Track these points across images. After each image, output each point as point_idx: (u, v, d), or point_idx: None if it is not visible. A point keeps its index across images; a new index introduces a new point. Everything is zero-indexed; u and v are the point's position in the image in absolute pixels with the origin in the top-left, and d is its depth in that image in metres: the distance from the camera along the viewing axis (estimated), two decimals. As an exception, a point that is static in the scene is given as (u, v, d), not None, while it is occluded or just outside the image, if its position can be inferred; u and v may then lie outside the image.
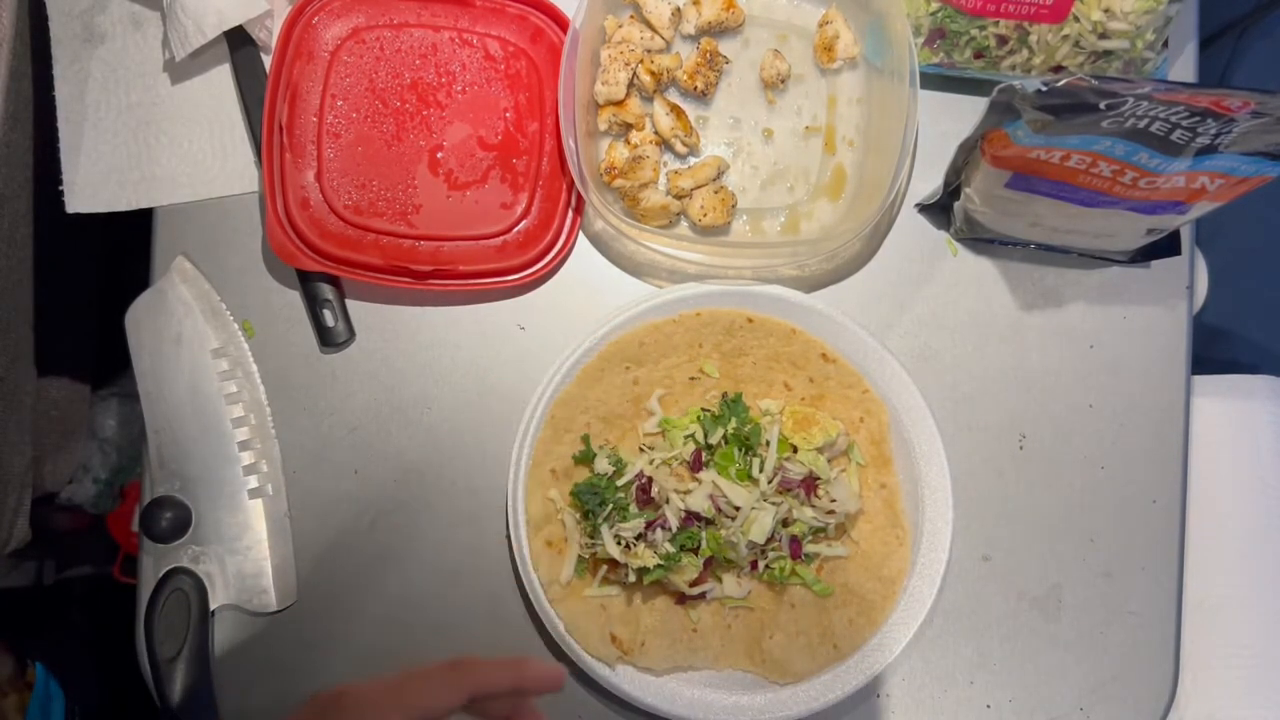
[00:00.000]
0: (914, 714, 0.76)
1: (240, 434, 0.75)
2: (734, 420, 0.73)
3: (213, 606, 0.73)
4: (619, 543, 0.70)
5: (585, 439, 0.74)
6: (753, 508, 0.70)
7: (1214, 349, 1.02)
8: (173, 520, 0.73)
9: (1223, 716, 0.79)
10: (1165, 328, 0.78)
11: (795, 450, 0.73)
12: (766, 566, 0.73)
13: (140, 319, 0.76)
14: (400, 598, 0.75)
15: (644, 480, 0.71)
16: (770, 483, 0.71)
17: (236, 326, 0.77)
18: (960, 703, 0.76)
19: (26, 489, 0.90)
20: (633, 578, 0.71)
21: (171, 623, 0.72)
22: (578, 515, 0.73)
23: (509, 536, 0.73)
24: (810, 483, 0.72)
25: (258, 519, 0.75)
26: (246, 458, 0.75)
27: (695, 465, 0.73)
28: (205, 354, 0.76)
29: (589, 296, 0.77)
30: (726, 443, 0.73)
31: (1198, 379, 0.81)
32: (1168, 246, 0.76)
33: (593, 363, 0.73)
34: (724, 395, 0.74)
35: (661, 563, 0.70)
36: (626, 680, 0.72)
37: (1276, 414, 0.84)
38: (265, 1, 0.74)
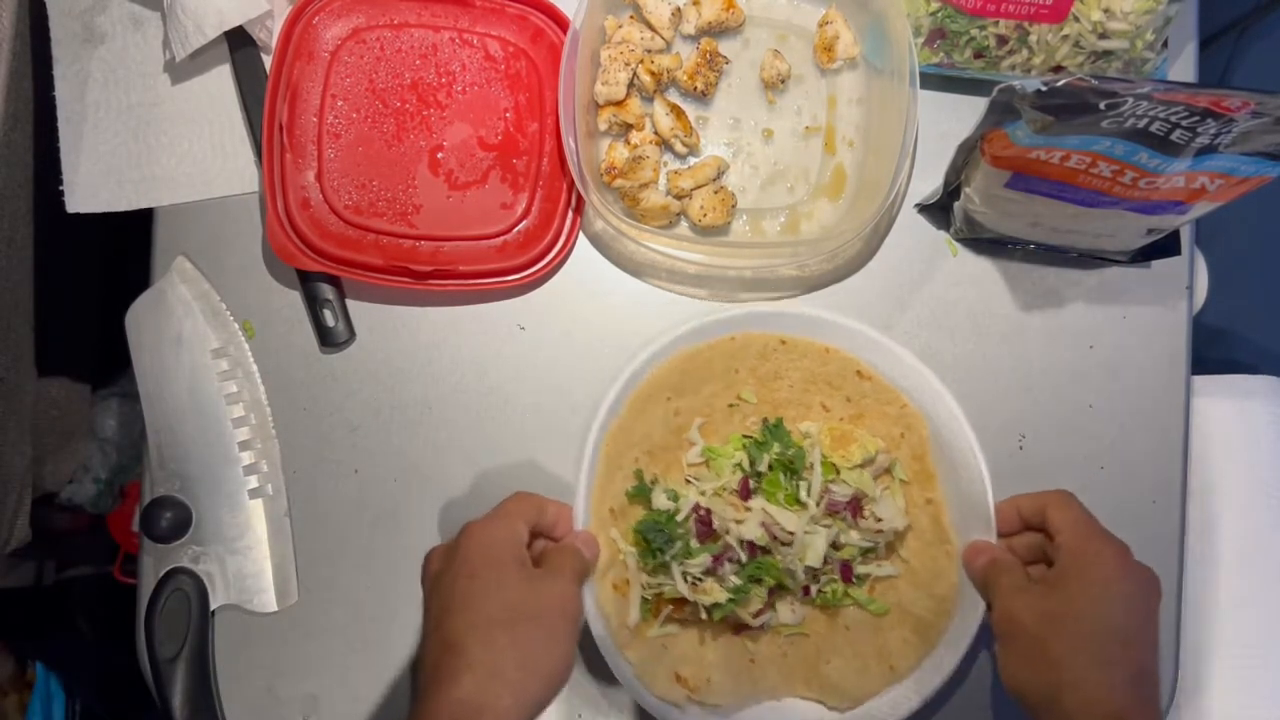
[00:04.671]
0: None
1: (240, 434, 0.75)
2: (777, 445, 0.71)
3: (213, 606, 0.74)
4: (685, 578, 0.69)
5: (638, 474, 0.72)
6: (806, 532, 0.69)
7: (1214, 349, 1.02)
8: (173, 520, 0.73)
9: (1223, 716, 0.79)
10: (1165, 328, 0.78)
11: (837, 471, 0.71)
12: (819, 590, 0.72)
13: (140, 319, 0.76)
14: (400, 597, 0.75)
15: (703, 512, 0.70)
16: (819, 505, 0.70)
17: (236, 326, 0.77)
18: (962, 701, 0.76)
19: (26, 489, 0.90)
20: (704, 615, 0.69)
21: (171, 623, 0.72)
22: (636, 554, 0.71)
23: None
24: (856, 503, 0.71)
25: (258, 519, 0.75)
26: (246, 458, 0.75)
27: (744, 493, 0.72)
28: (205, 354, 0.76)
29: (589, 297, 0.77)
30: (772, 469, 0.72)
31: (1198, 379, 0.81)
32: (1168, 246, 0.76)
33: (639, 391, 0.71)
34: (764, 420, 0.73)
35: (732, 596, 0.68)
36: None
37: (1276, 414, 0.84)
38: (265, 1, 0.74)
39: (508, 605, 0.60)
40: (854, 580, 0.72)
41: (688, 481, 0.73)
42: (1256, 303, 1.01)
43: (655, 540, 0.69)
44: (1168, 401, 0.78)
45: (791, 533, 0.69)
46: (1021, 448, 0.77)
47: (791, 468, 0.71)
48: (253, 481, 0.75)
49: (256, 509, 0.75)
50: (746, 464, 0.72)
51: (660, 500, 0.71)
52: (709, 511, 0.70)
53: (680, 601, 0.70)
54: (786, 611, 0.72)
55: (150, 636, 0.72)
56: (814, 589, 0.72)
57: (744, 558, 0.69)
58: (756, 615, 0.71)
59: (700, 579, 0.69)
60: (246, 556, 0.74)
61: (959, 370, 0.78)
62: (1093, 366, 0.78)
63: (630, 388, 0.71)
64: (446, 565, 0.62)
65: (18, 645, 1.18)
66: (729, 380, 0.74)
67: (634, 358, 0.71)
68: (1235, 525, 0.82)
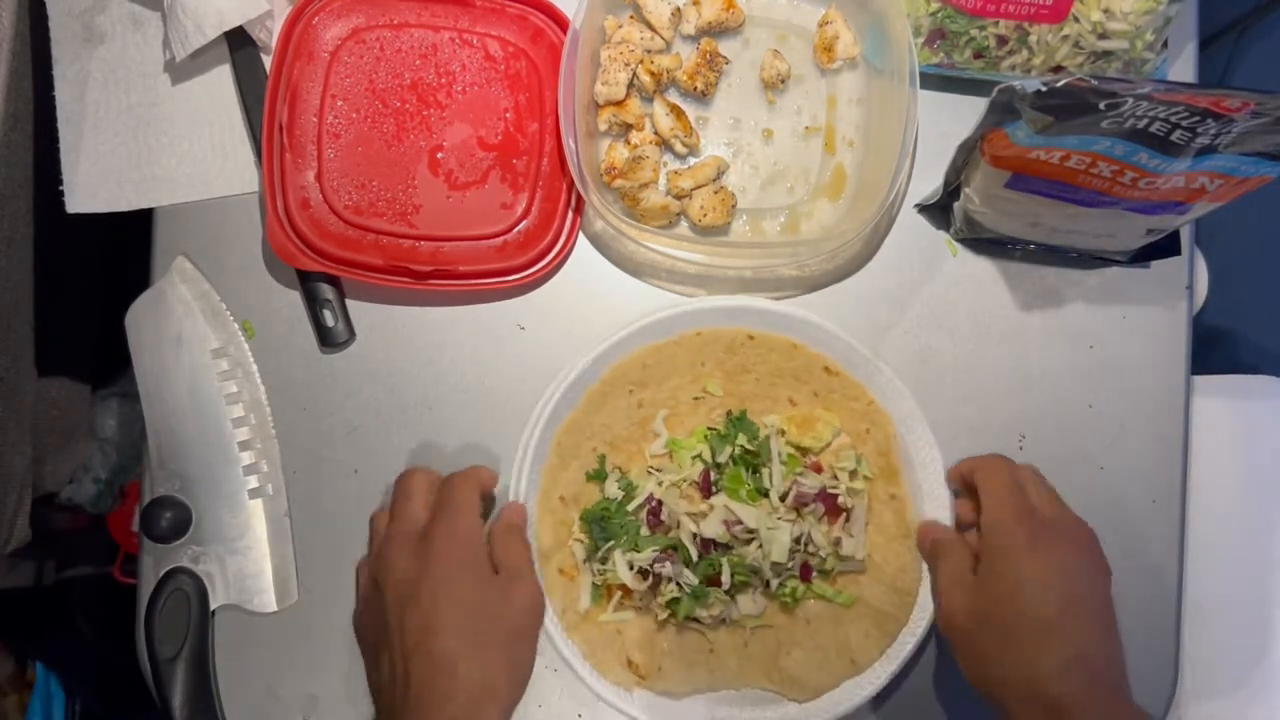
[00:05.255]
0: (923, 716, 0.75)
1: (240, 434, 0.75)
2: (741, 437, 0.72)
3: (213, 606, 0.74)
4: (631, 567, 0.70)
5: (601, 459, 0.73)
6: (768, 527, 0.70)
7: (1214, 349, 1.02)
8: (173, 520, 0.73)
9: (1223, 716, 0.79)
10: (1165, 328, 0.78)
11: (805, 453, 0.72)
12: (780, 584, 0.72)
13: (140, 319, 0.76)
14: (400, 598, 0.75)
15: (654, 504, 0.71)
16: (783, 499, 0.70)
17: (236, 326, 0.77)
18: (966, 702, 0.76)
19: (26, 489, 0.90)
20: (664, 614, 0.70)
21: (171, 623, 0.72)
22: (585, 540, 0.72)
23: None
24: (827, 497, 0.71)
25: (258, 519, 0.75)
26: (246, 458, 0.75)
27: (704, 487, 0.72)
28: (205, 354, 0.76)
29: (589, 297, 0.77)
30: (734, 463, 0.72)
31: (1198, 379, 0.81)
32: (1168, 246, 0.76)
33: (596, 387, 0.72)
34: (729, 413, 0.74)
35: (689, 594, 0.69)
36: (644, 706, 0.71)
37: (1277, 414, 0.84)
38: (265, 1, 0.74)
39: (491, 621, 0.63)
40: (813, 579, 0.73)
41: (650, 472, 0.74)
42: (1256, 303, 1.01)
43: (595, 533, 0.70)
44: (1168, 401, 0.78)
45: (753, 530, 0.69)
46: (1021, 448, 0.77)
47: (754, 461, 0.72)
48: (253, 481, 0.75)
49: (256, 509, 0.75)
50: (708, 455, 0.72)
51: (611, 489, 0.72)
52: (660, 503, 0.71)
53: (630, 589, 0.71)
54: (748, 603, 0.72)
55: (150, 636, 0.72)
56: (775, 583, 0.72)
57: (694, 555, 0.70)
58: (716, 613, 0.71)
59: (649, 570, 0.70)
60: (246, 556, 0.74)
61: (959, 370, 0.78)
62: (1093, 366, 0.78)
63: (587, 382, 0.72)
64: (419, 572, 0.64)
65: (18, 645, 1.18)
66: (695, 373, 0.74)
67: (589, 352, 0.72)
68: (1235, 525, 0.82)
